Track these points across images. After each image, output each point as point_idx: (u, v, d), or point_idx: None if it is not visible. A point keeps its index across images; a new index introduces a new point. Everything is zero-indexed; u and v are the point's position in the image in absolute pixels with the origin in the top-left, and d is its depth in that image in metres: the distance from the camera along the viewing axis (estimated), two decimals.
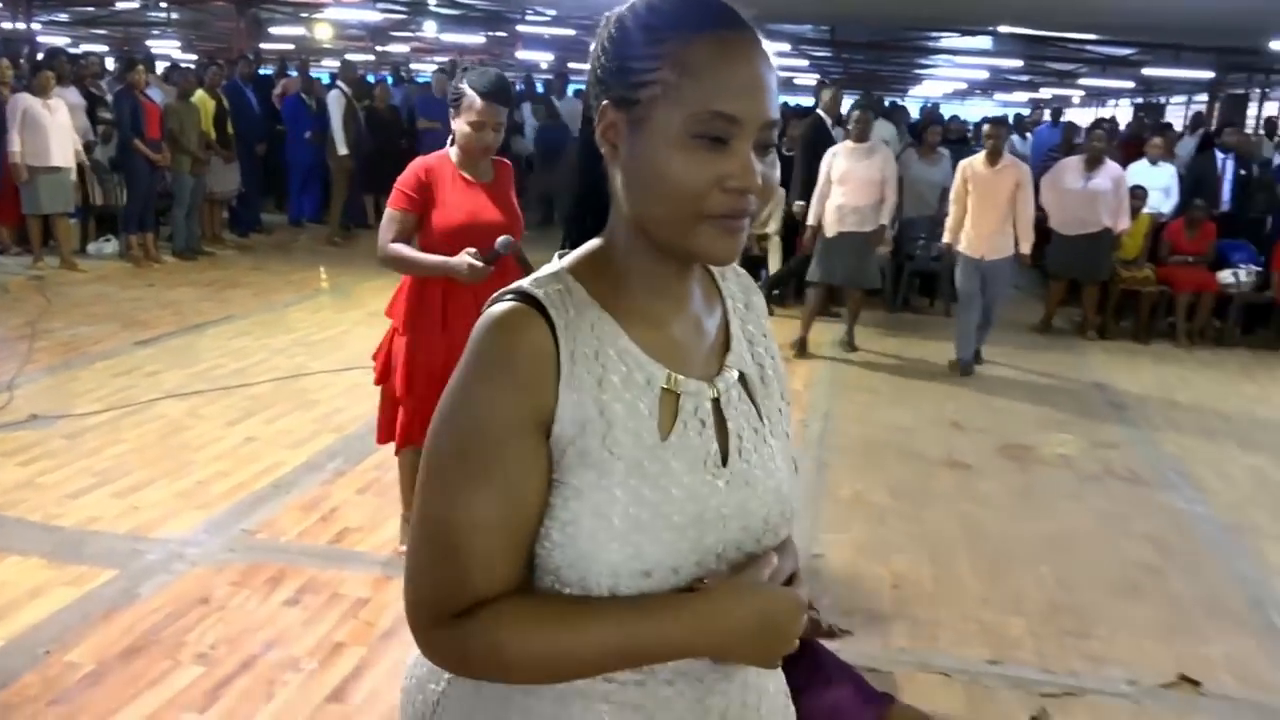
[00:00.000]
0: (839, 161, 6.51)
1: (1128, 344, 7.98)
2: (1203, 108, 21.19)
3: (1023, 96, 31.38)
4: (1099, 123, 13.51)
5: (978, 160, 6.50)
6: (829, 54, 20.88)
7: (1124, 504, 4.55)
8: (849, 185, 6.45)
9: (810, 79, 24.18)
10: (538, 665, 0.95)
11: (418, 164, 3.16)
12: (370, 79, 13.82)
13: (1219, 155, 9.07)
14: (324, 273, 8.98)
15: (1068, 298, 8.27)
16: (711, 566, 0.98)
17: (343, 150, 10.18)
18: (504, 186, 3.26)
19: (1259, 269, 8.14)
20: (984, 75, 23.56)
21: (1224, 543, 4.24)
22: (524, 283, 1.01)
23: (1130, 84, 23.40)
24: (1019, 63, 18.90)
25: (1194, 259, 8.14)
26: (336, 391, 5.41)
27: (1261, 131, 13.21)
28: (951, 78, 25.29)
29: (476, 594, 0.95)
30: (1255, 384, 7.04)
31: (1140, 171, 8.67)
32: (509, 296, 0.99)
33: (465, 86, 3.04)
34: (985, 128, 7.01)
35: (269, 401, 5.20)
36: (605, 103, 0.97)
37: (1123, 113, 26.31)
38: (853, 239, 6.50)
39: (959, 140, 9.95)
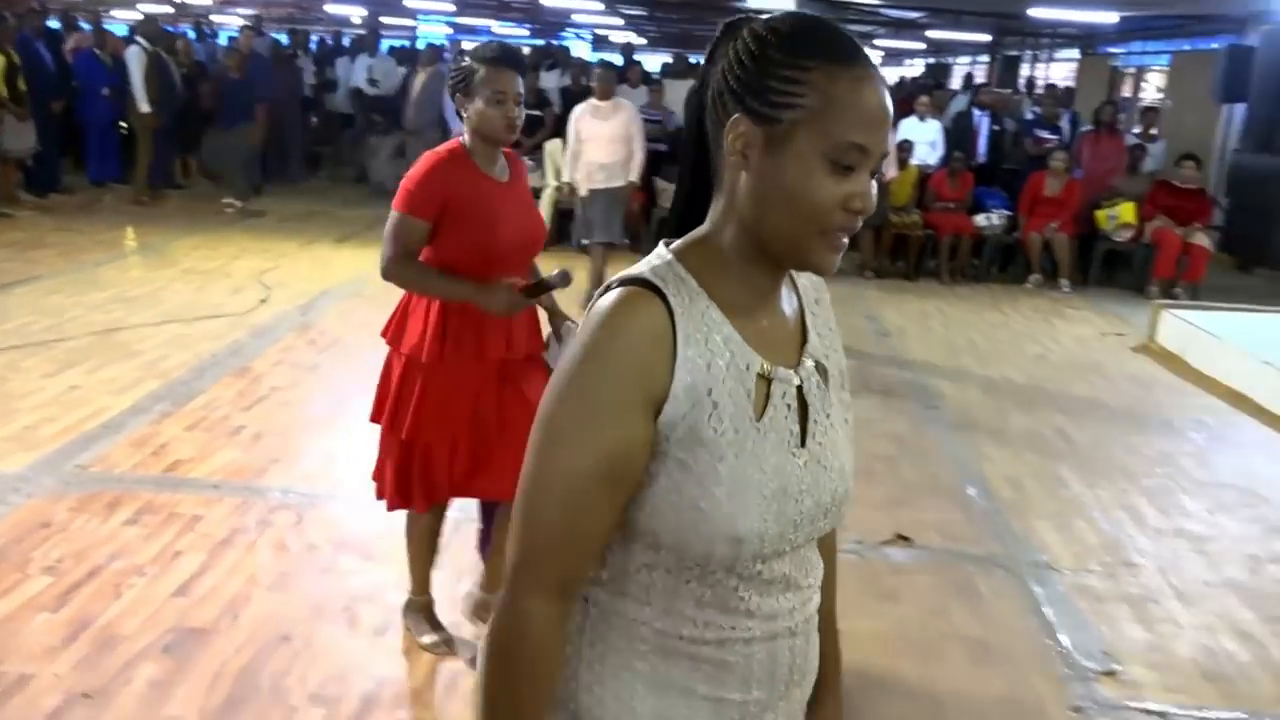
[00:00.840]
0: (585, 122, 6.85)
1: (899, 282, 8.96)
2: (985, 69, 23.02)
3: None
4: (920, 82, 14.61)
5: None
6: (644, 12, 21.40)
7: (875, 411, 5.33)
8: (595, 144, 6.82)
9: (625, 37, 24.73)
10: (500, 678, 1.07)
11: (435, 159, 2.61)
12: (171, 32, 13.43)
13: (976, 112, 10.15)
14: (132, 232, 8.92)
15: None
16: (790, 537, 1.09)
17: (144, 108, 10.00)
18: (524, 186, 2.80)
19: (1009, 213, 9.25)
20: None
21: (950, 439, 5.08)
22: (642, 270, 1.07)
23: (922, 46, 25.03)
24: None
25: (954, 205, 9.17)
26: (158, 343, 5.60)
27: (1023, 90, 14.57)
28: None
29: (575, 566, 1.06)
30: (1000, 313, 8.09)
31: (909, 127, 9.65)
32: (629, 281, 1.06)
33: (472, 62, 2.59)
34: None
35: (89, 354, 5.35)
36: (740, 115, 1.03)
37: (917, 72, 28.10)
38: (602, 195, 6.88)
39: None
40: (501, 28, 24.61)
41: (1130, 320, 7.86)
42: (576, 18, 20.26)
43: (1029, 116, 10.83)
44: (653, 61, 20.96)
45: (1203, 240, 8.87)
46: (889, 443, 4.86)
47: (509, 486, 2.34)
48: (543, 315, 2.87)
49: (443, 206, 2.56)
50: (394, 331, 2.70)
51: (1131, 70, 18.05)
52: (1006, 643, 3.23)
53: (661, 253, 1.10)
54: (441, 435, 2.66)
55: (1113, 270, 9.40)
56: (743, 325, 1.07)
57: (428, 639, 2.93)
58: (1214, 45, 12.48)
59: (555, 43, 18.68)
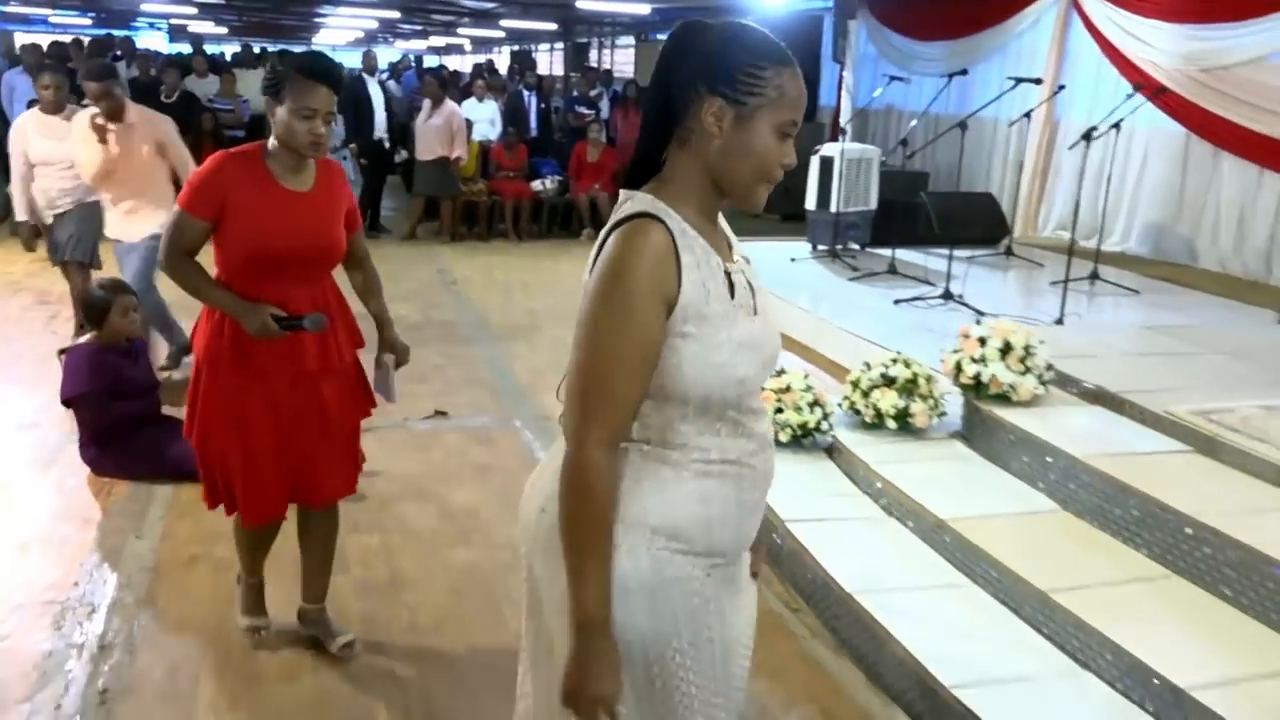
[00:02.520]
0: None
1: (473, 243, 10.26)
2: (560, 55, 25.14)
3: (421, 44, 33.86)
4: (478, 68, 15.89)
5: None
6: (222, 1, 21.08)
7: (434, 334, 6.53)
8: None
9: (205, 26, 24.07)
10: (583, 521, 1.44)
11: (218, 159, 2.56)
12: None
13: (525, 93, 11.70)
14: None
15: (426, 213, 10.36)
16: (761, 376, 1.53)
17: None
18: (332, 197, 2.67)
19: (561, 178, 10.86)
20: (374, 25, 25.29)
21: (490, 349, 6.41)
22: (644, 207, 1.45)
23: (503, 34, 26.73)
24: (398, 14, 20.82)
25: (514, 174, 10.62)
26: None
27: (575, 74, 16.42)
28: (348, 26, 26.71)
29: (622, 422, 1.44)
30: (554, 260, 9.63)
31: (470, 107, 10.97)
32: (636, 218, 1.44)
33: (289, 68, 2.51)
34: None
35: None
36: (714, 95, 1.43)
37: (504, 59, 29.87)
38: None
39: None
40: (60, 17, 22.99)
41: None
42: (147, 6, 19.57)
43: (574, 95, 12.57)
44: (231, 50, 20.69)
45: None
46: (439, 356, 6.09)
47: (322, 494, 2.79)
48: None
49: (222, 208, 2.50)
50: (194, 332, 2.69)
51: None
52: (507, 465, 4.54)
53: (644, 196, 1.49)
54: (231, 442, 2.64)
55: None
56: (706, 238, 1.48)
57: (243, 621, 3.02)
58: None
59: (120, 34, 17.99)
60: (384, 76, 12.33)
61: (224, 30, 27.54)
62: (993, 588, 3.13)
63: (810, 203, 8.68)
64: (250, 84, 10.56)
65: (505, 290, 8.17)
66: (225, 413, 2.62)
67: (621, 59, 23.50)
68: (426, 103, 10.02)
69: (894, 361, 4.25)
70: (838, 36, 9.68)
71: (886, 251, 7.88)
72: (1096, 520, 3.39)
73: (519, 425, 5.05)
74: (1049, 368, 4.06)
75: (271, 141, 2.58)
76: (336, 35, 29.50)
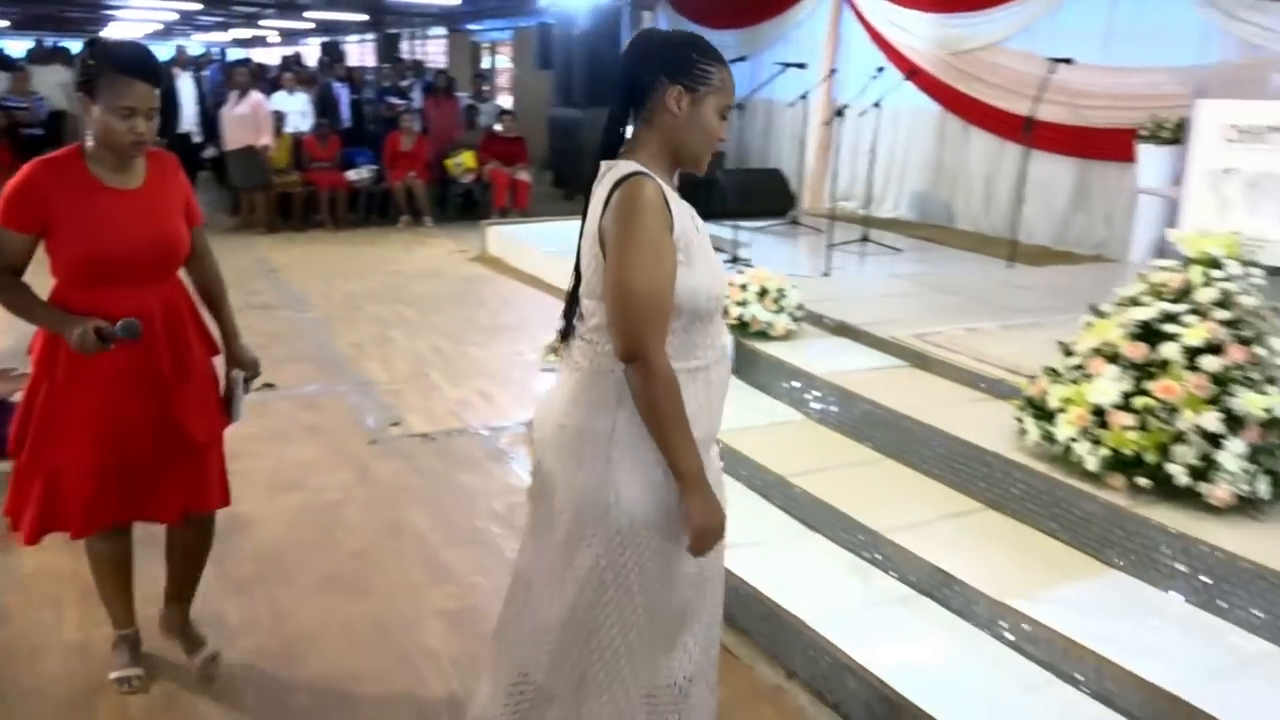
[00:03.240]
0: None
1: (290, 234, 10.41)
2: (372, 46, 24.99)
3: (224, 36, 32.76)
4: (286, 60, 15.72)
5: None
6: None
7: (255, 319, 6.80)
8: None
9: None
10: (668, 408, 1.81)
11: (32, 166, 2.38)
12: None
13: (335, 84, 11.88)
14: None
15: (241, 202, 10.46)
16: (726, 293, 1.98)
17: None
18: (167, 192, 2.53)
19: (376, 167, 11.11)
20: (174, 16, 24.45)
21: (313, 328, 6.74)
22: (638, 168, 1.82)
23: (311, 25, 26.30)
24: (199, 5, 20.28)
25: (327, 164, 10.81)
26: None
27: (386, 65, 16.58)
28: (143, 19, 25.68)
29: (666, 333, 1.81)
30: (373, 246, 9.93)
31: (280, 99, 11.07)
32: (634, 176, 1.80)
33: (103, 63, 2.33)
34: None
35: None
36: (675, 83, 1.85)
37: (313, 51, 29.34)
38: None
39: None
40: None
41: (473, 240, 10.12)
42: None
43: (385, 86, 12.80)
44: (19, 46, 19.73)
45: (524, 176, 11.47)
46: (263, 335, 6.36)
47: (175, 509, 2.62)
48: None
49: (45, 218, 2.35)
50: (33, 340, 2.51)
51: (488, 45, 21.10)
52: (333, 425, 4.95)
53: (627, 162, 1.86)
54: (71, 454, 2.48)
55: (465, 206, 11.72)
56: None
57: (114, 674, 2.76)
58: (534, 23, 15.52)
59: None
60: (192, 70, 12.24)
61: (4, 24, 25.96)
62: (746, 480, 3.81)
63: None
64: (45, 80, 10.35)
65: (324, 276, 8.45)
66: (65, 425, 2.45)
67: (434, 49, 23.59)
68: (233, 93, 10.10)
69: None
70: (633, 27, 10.29)
71: None
72: (832, 424, 4.13)
73: (344, 390, 5.45)
74: (799, 308, 4.81)
75: (90, 140, 2.40)
76: (130, 29, 28.25)
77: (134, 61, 2.33)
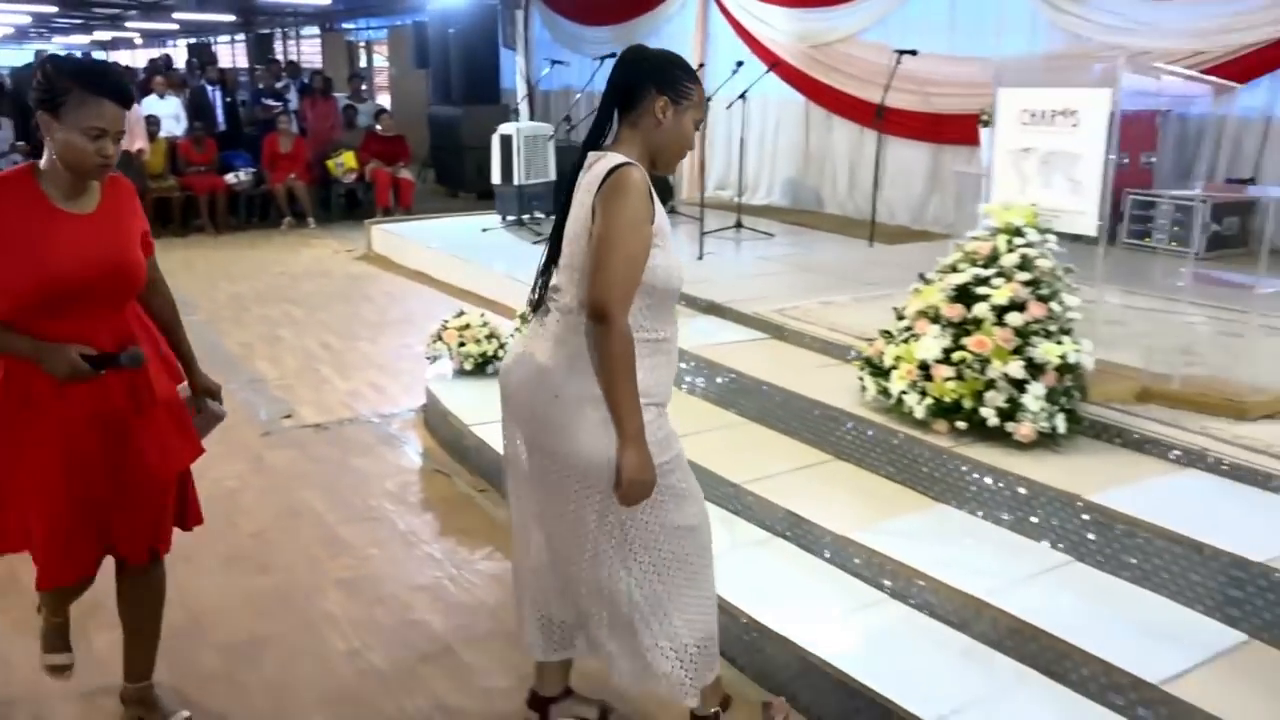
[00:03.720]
0: None
1: (169, 240, 10.29)
2: (243, 47, 24.49)
3: (85, 39, 31.57)
4: (154, 64, 15.37)
5: None
6: None
7: None
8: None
9: None
10: (622, 366, 2.09)
11: None
12: None
13: (209, 87, 11.77)
14: None
15: None
16: (683, 281, 2.28)
17: None
18: (121, 216, 2.37)
19: (255, 170, 11.08)
20: (27, 20, 23.52)
21: (200, 330, 6.79)
22: (623, 159, 2.12)
23: (176, 27, 25.60)
24: (53, 8, 19.62)
25: (204, 168, 10.74)
26: None
27: (260, 66, 16.39)
28: None
29: (631, 299, 2.10)
30: (256, 249, 9.94)
31: (152, 104, 10.93)
32: (626, 165, 2.10)
33: (70, 80, 2.19)
34: None
35: None
36: (662, 95, 2.17)
37: (181, 53, 28.55)
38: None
39: None
40: None
41: (358, 239, 10.20)
42: None
43: (259, 88, 12.72)
44: None
45: (406, 174, 11.58)
46: None
47: (137, 548, 2.47)
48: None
49: None
50: None
51: (363, 44, 20.95)
52: (226, 421, 5.06)
53: (615, 154, 2.15)
54: (25, 503, 2.34)
55: (349, 206, 11.76)
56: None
57: (45, 660, 2.71)
58: (410, 22, 15.55)
59: None
60: None
61: None
62: None
63: (495, 178, 9.55)
64: None
65: (208, 279, 8.46)
66: (12, 470, 2.31)
67: (308, 49, 23.27)
68: None
69: None
70: (505, 25, 10.52)
71: None
72: (700, 394, 4.49)
73: (234, 388, 5.57)
74: None
75: (45, 161, 2.26)
76: None
77: (105, 81, 2.21)
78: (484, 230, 9.17)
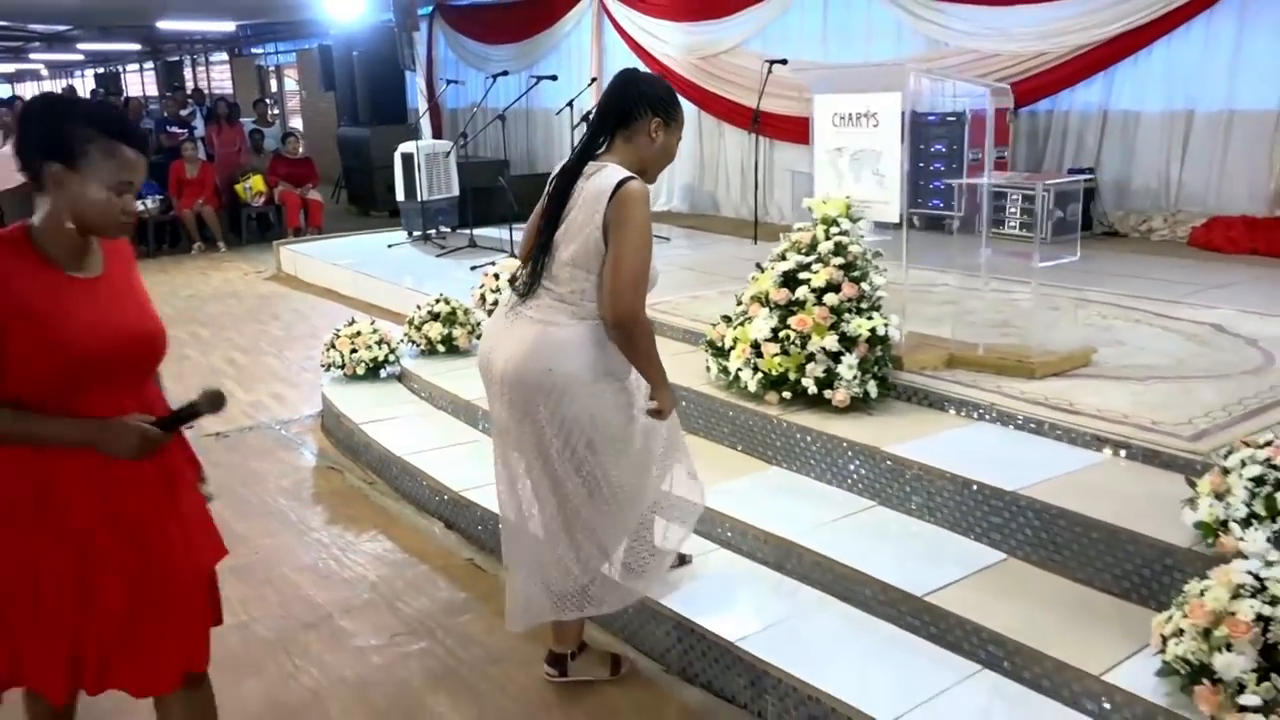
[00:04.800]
0: None
1: None
2: (152, 74, 24.36)
3: None
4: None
5: None
6: None
7: None
8: None
9: None
10: (652, 349, 2.59)
11: None
12: None
13: None
14: None
15: None
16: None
17: None
18: (128, 275, 2.11)
19: (163, 197, 11.21)
20: None
21: None
22: (626, 171, 2.48)
23: (81, 57, 25.38)
24: None
25: None
26: None
27: (167, 95, 16.43)
28: None
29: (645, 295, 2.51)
30: (166, 275, 10.08)
31: None
32: (633, 179, 2.47)
33: (89, 127, 1.89)
34: None
35: None
36: (656, 116, 2.56)
37: (89, 82, 28.27)
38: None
39: None
40: None
41: (268, 261, 10.41)
42: None
43: (164, 116, 12.84)
44: None
45: (315, 195, 11.80)
46: None
47: (172, 673, 2.00)
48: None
49: None
50: None
51: (273, 68, 21.04)
52: None
53: (616, 166, 2.51)
54: (19, 617, 1.96)
55: (261, 229, 11.94)
56: None
57: None
58: (315, 46, 15.75)
59: None
60: None
61: None
62: None
63: (399, 195, 9.87)
64: None
65: None
66: (16, 581, 1.94)
67: (217, 75, 23.29)
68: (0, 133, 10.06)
69: (437, 301, 5.54)
70: (402, 46, 10.84)
71: (480, 230, 9.24)
72: None
73: None
74: None
75: (41, 219, 1.93)
76: None
77: (127, 127, 1.95)
78: (390, 246, 9.48)
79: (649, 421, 2.74)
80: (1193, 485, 2.63)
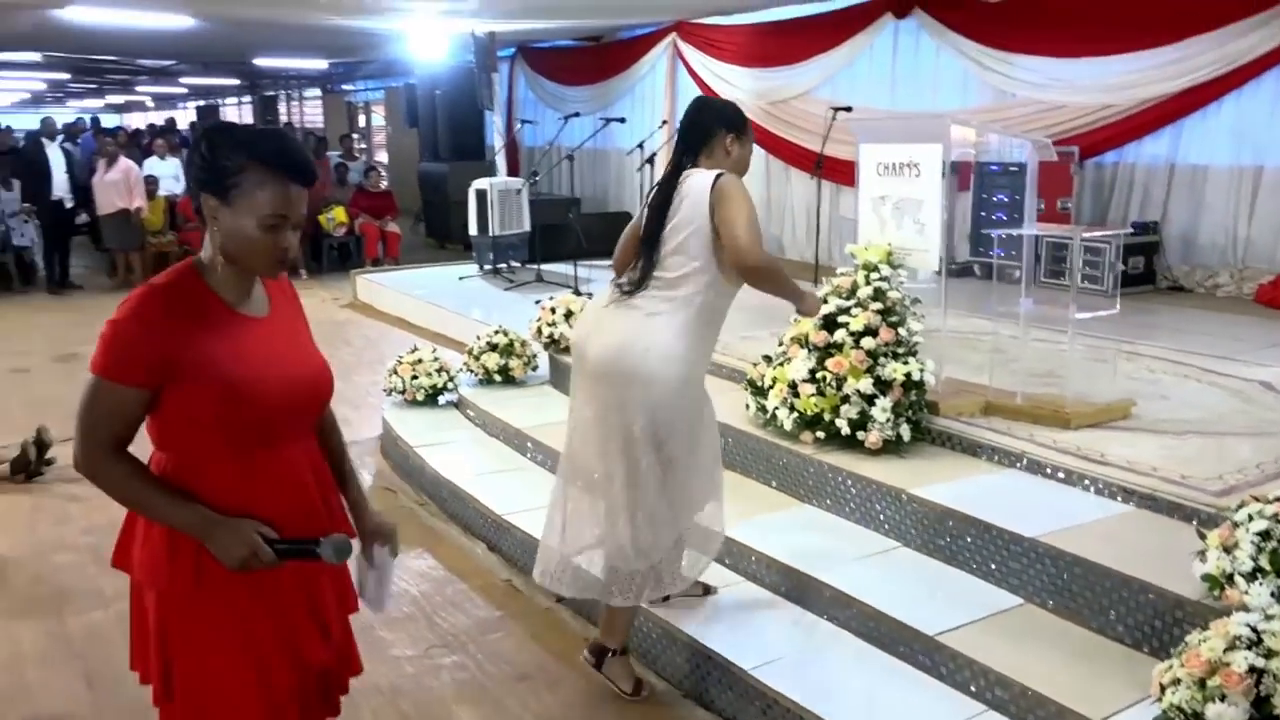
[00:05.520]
0: None
1: None
2: (250, 108, 25.44)
3: (98, 103, 32.71)
4: (155, 128, 16.26)
5: None
6: None
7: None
8: None
9: None
10: (782, 275, 2.99)
11: (145, 295, 1.73)
12: None
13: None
14: None
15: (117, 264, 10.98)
16: None
17: None
18: (294, 314, 1.97)
19: None
20: (42, 86, 24.53)
21: None
22: (718, 169, 2.86)
23: (185, 90, 26.62)
24: (66, 75, 20.52)
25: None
26: None
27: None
28: (10, 89, 25.67)
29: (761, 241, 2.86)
30: None
31: (153, 165, 11.66)
32: (724, 173, 2.84)
33: (245, 157, 1.72)
34: None
35: None
36: (729, 133, 2.94)
37: (190, 114, 29.61)
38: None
39: None
40: None
41: (345, 289, 10.81)
42: None
43: None
44: None
45: (393, 228, 12.24)
46: None
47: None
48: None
49: (169, 365, 1.70)
50: (127, 543, 1.85)
51: (362, 104, 21.84)
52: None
53: (707, 169, 2.87)
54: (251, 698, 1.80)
55: (341, 259, 12.40)
56: None
57: None
58: (401, 84, 16.36)
59: None
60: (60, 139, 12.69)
61: None
62: (543, 462, 4.66)
63: (472, 229, 10.19)
64: None
65: None
66: (234, 658, 1.79)
67: (310, 110, 24.23)
68: (102, 161, 10.67)
69: (496, 332, 5.76)
70: (480, 87, 11.24)
71: (548, 266, 9.51)
72: None
73: None
74: None
75: (207, 254, 1.80)
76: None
77: (286, 156, 1.76)
78: (461, 279, 9.79)
79: (712, 438, 3.05)
80: (1203, 537, 2.66)
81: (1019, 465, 3.71)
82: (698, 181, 2.84)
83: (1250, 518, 2.51)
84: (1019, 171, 7.75)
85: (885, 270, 4.11)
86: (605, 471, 2.92)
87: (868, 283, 4.10)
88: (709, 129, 2.95)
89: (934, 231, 4.06)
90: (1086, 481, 3.47)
